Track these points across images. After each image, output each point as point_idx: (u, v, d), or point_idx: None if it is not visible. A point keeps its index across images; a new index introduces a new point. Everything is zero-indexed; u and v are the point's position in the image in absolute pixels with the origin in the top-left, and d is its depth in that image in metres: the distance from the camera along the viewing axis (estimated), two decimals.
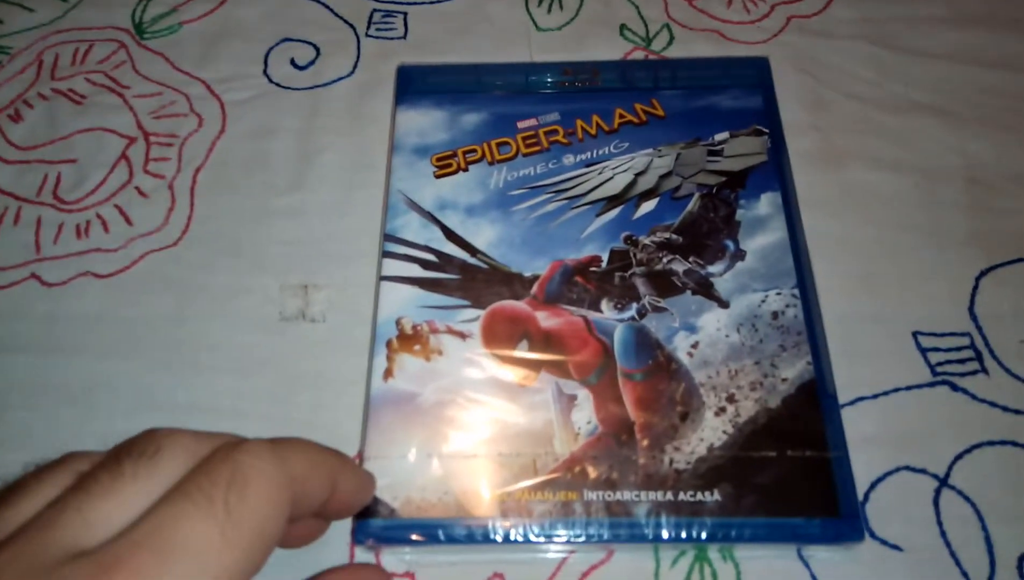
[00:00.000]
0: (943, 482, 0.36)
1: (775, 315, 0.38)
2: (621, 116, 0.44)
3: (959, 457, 0.37)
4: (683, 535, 0.33)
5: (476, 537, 0.33)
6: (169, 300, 0.41)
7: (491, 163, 0.43)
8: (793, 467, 0.34)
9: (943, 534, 0.35)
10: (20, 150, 0.46)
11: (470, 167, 0.43)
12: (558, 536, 0.33)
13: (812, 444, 0.35)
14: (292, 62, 0.49)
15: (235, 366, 0.39)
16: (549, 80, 0.46)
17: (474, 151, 0.43)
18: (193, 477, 0.24)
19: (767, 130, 0.43)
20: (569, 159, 0.43)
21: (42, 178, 0.45)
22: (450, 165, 0.43)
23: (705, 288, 0.39)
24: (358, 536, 0.33)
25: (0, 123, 0.47)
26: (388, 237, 0.40)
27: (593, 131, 0.44)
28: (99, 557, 0.22)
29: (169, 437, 0.26)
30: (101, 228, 0.43)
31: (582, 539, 0.33)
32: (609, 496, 0.34)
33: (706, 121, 0.44)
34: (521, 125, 0.44)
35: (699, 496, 0.34)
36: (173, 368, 0.39)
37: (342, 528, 0.35)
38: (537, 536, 0.33)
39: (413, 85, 0.46)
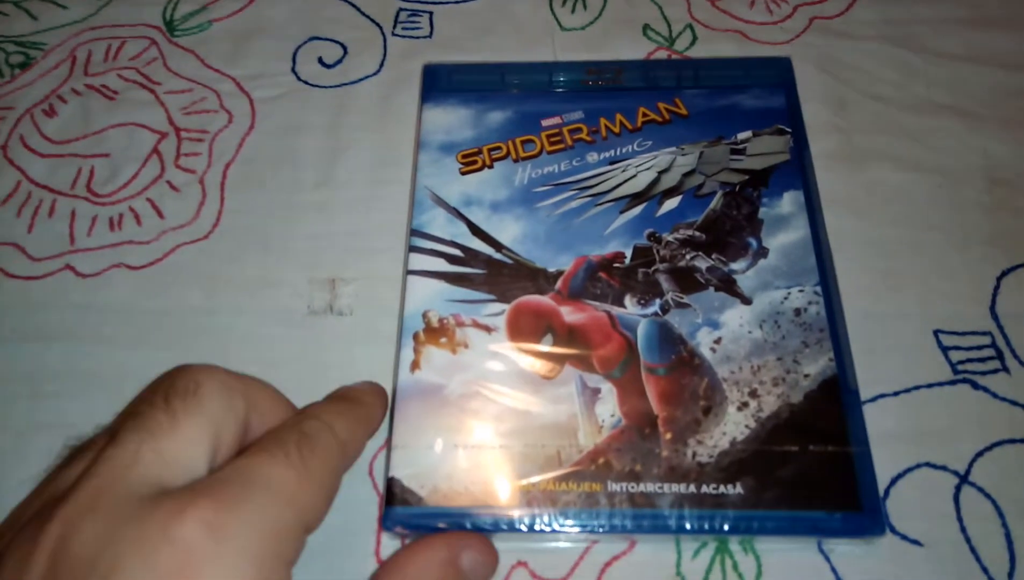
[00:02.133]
0: (964, 479, 0.36)
1: (797, 312, 0.38)
2: (645, 115, 0.44)
3: (980, 454, 0.37)
4: (705, 527, 0.33)
5: (502, 526, 0.34)
6: (199, 292, 0.42)
7: (516, 160, 0.43)
8: (815, 462, 0.35)
9: (963, 530, 0.35)
10: (54, 144, 0.47)
11: (495, 164, 0.43)
12: (582, 526, 0.34)
13: (834, 439, 0.35)
14: (320, 60, 0.49)
15: (264, 358, 0.40)
16: (573, 79, 0.46)
17: (499, 148, 0.44)
18: (266, 435, 0.28)
19: (789, 129, 0.43)
20: (593, 157, 0.43)
21: (76, 171, 0.46)
22: (475, 162, 0.43)
23: (728, 285, 0.39)
24: (386, 523, 0.34)
25: (35, 118, 0.48)
26: (415, 232, 0.41)
27: (617, 129, 0.44)
28: (185, 492, 0.24)
29: (204, 372, 0.28)
30: (134, 221, 0.44)
31: (606, 529, 0.34)
32: (632, 488, 0.34)
33: (729, 120, 0.44)
34: (545, 123, 0.44)
35: (721, 489, 0.34)
36: (203, 359, 0.39)
37: (369, 514, 0.36)
38: (562, 526, 0.34)
39: (439, 83, 0.46)
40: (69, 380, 0.40)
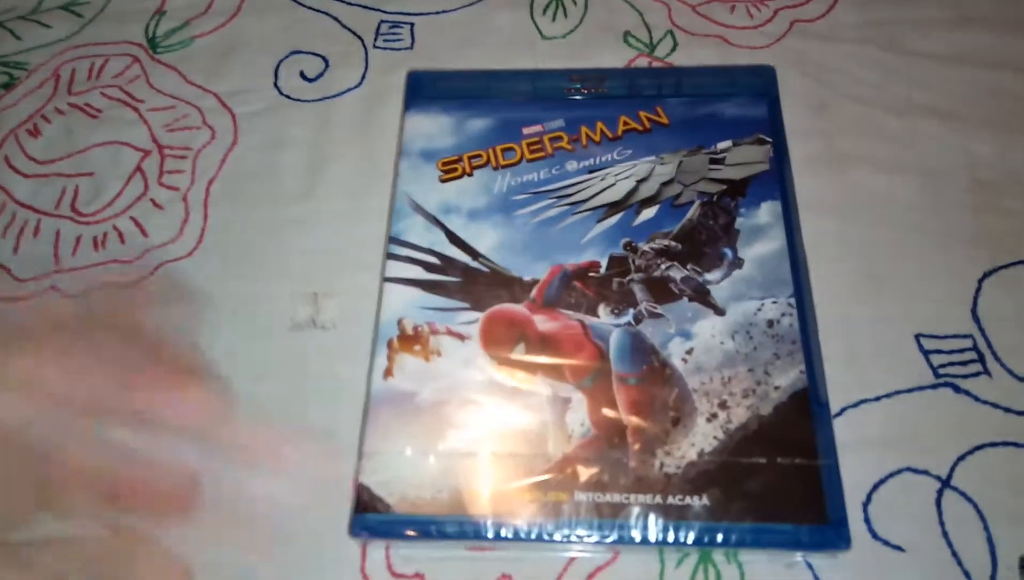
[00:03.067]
0: (945, 483, 0.36)
1: (770, 323, 0.38)
2: (625, 123, 0.44)
3: (961, 458, 0.37)
4: (671, 538, 0.33)
5: (468, 534, 0.34)
6: (183, 310, 0.42)
7: (496, 168, 0.43)
8: (782, 474, 0.34)
9: (945, 535, 0.35)
10: (39, 164, 0.47)
11: (475, 172, 0.43)
12: (548, 535, 0.34)
13: (802, 452, 0.35)
14: (302, 74, 0.50)
15: (248, 373, 0.40)
16: (556, 87, 0.46)
17: (479, 156, 0.44)
18: None
19: (770, 139, 0.43)
20: (572, 165, 0.43)
21: (60, 191, 0.46)
22: (455, 169, 0.43)
23: (702, 295, 0.39)
24: (354, 530, 0.34)
25: (19, 138, 0.48)
26: (393, 239, 0.41)
27: (597, 138, 0.44)
28: None
29: None
30: (117, 239, 0.44)
31: (570, 539, 0.34)
32: (599, 498, 0.34)
33: (710, 129, 0.44)
34: (527, 131, 0.44)
35: (688, 500, 0.34)
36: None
37: (339, 521, 0.35)
38: (528, 534, 0.34)
39: (422, 91, 0.46)
40: None
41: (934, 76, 0.48)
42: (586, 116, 0.45)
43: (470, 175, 0.43)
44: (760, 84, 0.46)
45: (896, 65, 0.48)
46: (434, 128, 0.45)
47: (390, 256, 0.41)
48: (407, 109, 0.46)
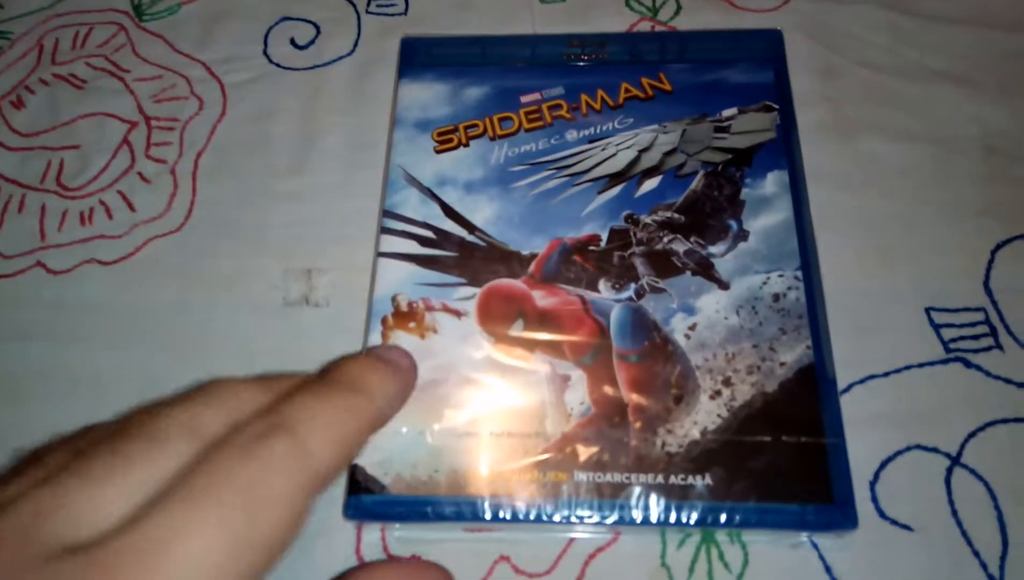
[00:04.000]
0: (955, 461, 0.35)
1: (776, 298, 0.37)
2: (627, 91, 0.43)
3: (972, 435, 0.36)
4: (673, 519, 0.32)
5: (465, 515, 0.33)
6: (173, 286, 0.41)
7: (492, 138, 0.42)
8: (788, 453, 0.33)
9: (955, 513, 0.34)
10: (23, 137, 0.46)
11: (471, 142, 0.42)
12: (547, 516, 0.33)
13: (808, 430, 0.34)
14: (292, 41, 0.48)
15: (240, 351, 0.39)
16: (555, 52, 0.44)
17: (475, 126, 0.42)
18: (202, 475, 0.22)
19: (777, 106, 0.42)
20: (572, 135, 0.42)
21: (45, 165, 0.45)
22: (451, 140, 0.42)
23: (705, 269, 0.38)
24: (348, 511, 0.33)
25: (3, 110, 0.47)
26: (387, 213, 0.40)
27: (598, 106, 0.43)
28: (91, 556, 0.20)
29: (180, 418, 0.24)
30: (104, 215, 0.43)
31: (570, 520, 0.33)
32: (599, 478, 0.33)
33: (714, 96, 0.42)
34: (524, 100, 0.43)
35: (690, 480, 0.33)
36: (178, 353, 0.39)
37: (334, 502, 0.34)
38: (526, 515, 0.33)
39: (416, 58, 0.45)
40: (42, 380, 0.39)
41: (947, 40, 0.46)
42: (586, 83, 0.43)
43: (466, 146, 0.42)
44: (767, 49, 0.44)
45: (908, 28, 0.47)
46: (429, 97, 0.43)
47: (384, 230, 0.39)
48: (400, 77, 0.44)
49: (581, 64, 0.44)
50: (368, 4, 0.49)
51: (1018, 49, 0.45)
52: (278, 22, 0.49)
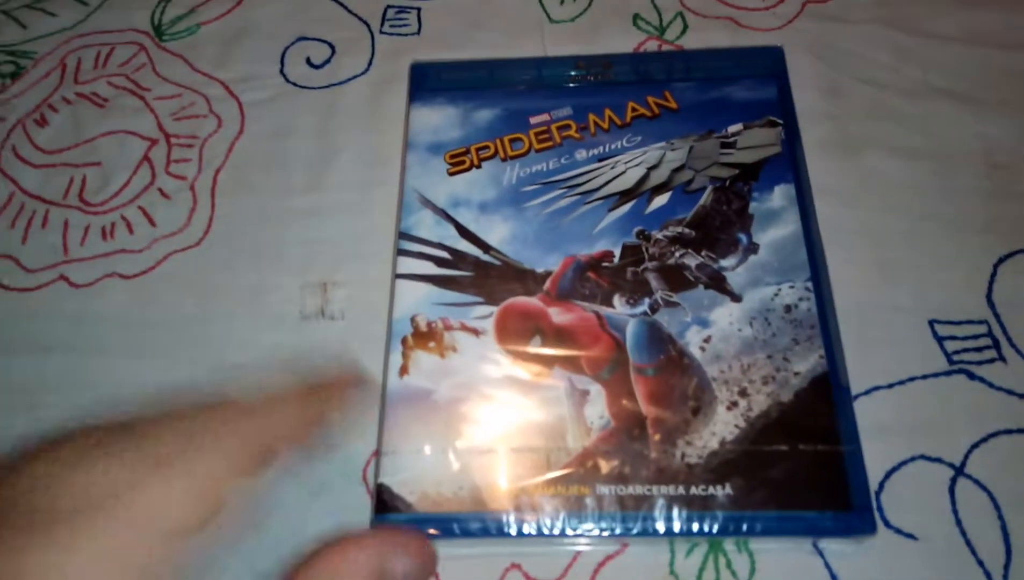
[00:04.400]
0: (959, 471, 0.36)
1: (788, 309, 0.38)
2: (634, 109, 0.44)
3: (975, 446, 0.37)
4: (695, 529, 0.33)
5: (491, 531, 0.34)
6: (192, 299, 0.42)
7: (504, 160, 0.43)
8: (805, 461, 0.34)
9: (959, 523, 0.35)
10: (46, 154, 0.47)
11: (483, 164, 0.43)
12: (571, 530, 0.34)
13: (824, 438, 0.35)
14: (308, 61, 0.49)
15: (257, 363, 0.40)
16: (562, 74, 0.46)
17: (487, 148, 0.43)
18: None
19: (781, 121, 0.43)
20: (582, 154, 0.43)
21: (68, 181, 0.46)
22: (463, 162, 0.43)
23: (717, 282, 0.39)
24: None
25: (27, 128, 0.48)
26: (403, 235, 0.41)
27: (606, 125, 0.44)
28: None
29: None
30: (126, 229, 0.44)
31: (595, 533, 0.34)
32: (621, 490, 0.34)
33: (720, 113, 0.44)
34: (534, 121, 0.44)
35: (711, 490, 0.34)
36: (197, 367, 0.40)
37: (364, 522, 0.35)
38: (551, 530, 0.34)
39: (427, 82, 0.46)
40: (67, 391, 0.40)
41: (949, 57, 0.47)
42: (593, 103, 0.44)
43: (478, 167, 0.43)
44: (768, 65, 0.45)
45: (910, 47, 0.48)
46: (440, 120, 0.44)
47: (400, 252, 0.41)
48: (412, 101, 0.45)
49: (588, 85, 0.45)
50: (382, 24, 0.50)
51: (1018, 67, 0.47)
52: (294, 42, 0.50)
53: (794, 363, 0.36)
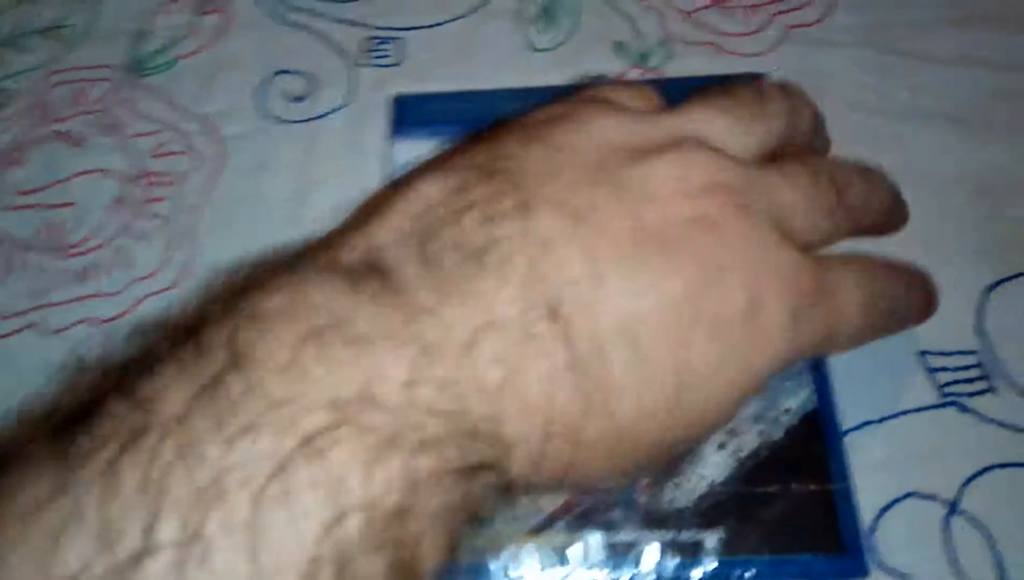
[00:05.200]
0: (953, 508, 0.35)
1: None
2: None
3: (969, 481, 0.36)
4: (686, 576, 0.33)
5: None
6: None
7: None
8: (797, 501, 0.34)
9: (954, 562, 0.34)
10: (20, 195, 0.46)
11: None
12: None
13: (816, 476, 0.34)
14: (287, 95, 0.48)
15: None
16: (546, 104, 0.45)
17: None
18: None
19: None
20: None
21: (43, 223, 0.45)
22: None
23: None
24: None
25: (2, 168, 0.47)
26: None
27: None
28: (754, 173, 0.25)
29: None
30: (101, 272, 0.43)
31: None
32: (610, 537, 0.33)
33: None
34: None
35: (701, 535, 0.33)
36: None
37: None
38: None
39: (409, 115, 0.45)
40: None
41: (937, 80, 0.47)
42: None
43: None
44: None
45: (898, 69, 0.47)
46: (422, 154, 0.43)
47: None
48: (395, 135, 0.45)
49: None
50: (362, 56, 0.50)
51: (1007, 88, 0.46)
52: (273, 75, 0.49)
53: (783, 400, 0.36)
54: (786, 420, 0.35)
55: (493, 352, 0.19)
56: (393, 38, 0.50)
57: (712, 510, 0.34)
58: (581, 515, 0.34)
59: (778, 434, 0.35)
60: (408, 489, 0.18)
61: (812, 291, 0.25)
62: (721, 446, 0.35)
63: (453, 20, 0.51)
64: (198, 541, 0.16)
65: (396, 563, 0.18)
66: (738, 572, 0.33)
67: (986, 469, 0.36)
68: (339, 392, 0.18)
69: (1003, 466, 0.36)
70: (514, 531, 0.34)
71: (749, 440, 0.35)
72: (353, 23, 0.51)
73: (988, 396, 0.38)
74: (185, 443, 0.17)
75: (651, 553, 0.33)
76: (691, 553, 0.33)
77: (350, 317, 0.19)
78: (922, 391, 0.38)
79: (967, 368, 0.38)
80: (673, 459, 0.28)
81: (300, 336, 0.18)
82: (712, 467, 0.34)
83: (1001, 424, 0.37)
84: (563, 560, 0.33)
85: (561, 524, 0.34)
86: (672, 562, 0.33)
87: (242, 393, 0.18)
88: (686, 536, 0.33)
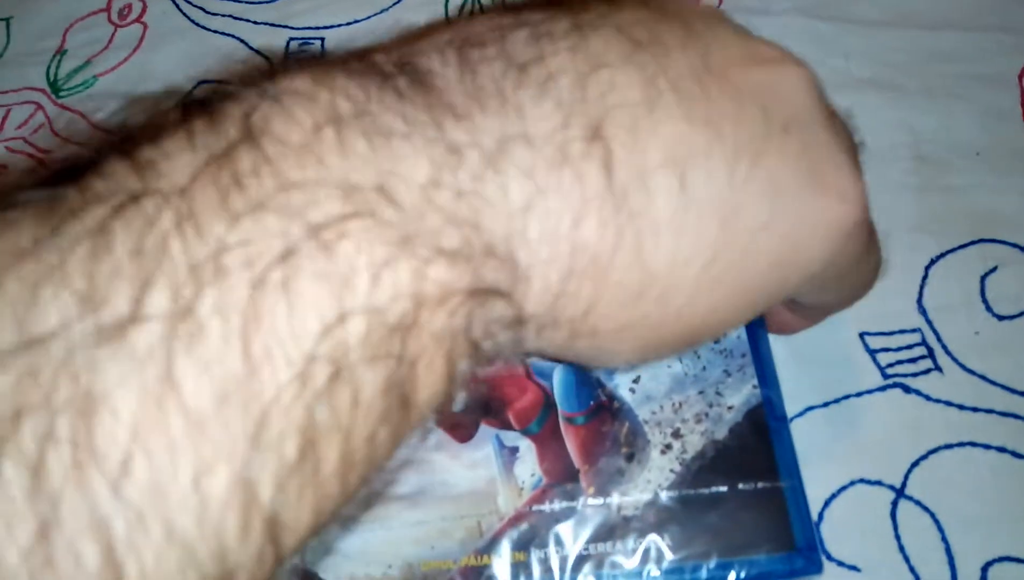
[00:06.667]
0: (900, 493, 0.35)
1: (717, 339, 0.37)
2: None
3: (915, 464, 0.36)
4: None
5: None
6: None
7: None
8: (745, 501, 0.34)
9: (902, 549, 0.34)
10: None
11: None
12: None
13: (763, 474, 0.34)
14: None
15: None
16: None
17: None
18: None
19: None
20: None
21: None
22: None
23: None
24: None
25: None
26: None
27: None
28: None
29: None
30: None
31: None
32: (559, 551, 0.33)
33: None
34: None
35: (649, 542, 0.33)
36: None
37: None
38: None
39: None
40: None
41: (872, 44, 0.46)
42: None
43: None
44: None
45: (832, 35, 0.46)
46: None
47: None
48: None
49: None
50: (286, 59, 0.48)
51: (942, 49, 0.45)
52: (196, 86, 0.48)
53: (727, 397, 0.36)
54: (730, 417, 0.35)
55: (521, 166, 0.18)
56: (315, 38, 0.49)
57: (659, 516, 0.33)
58: (528, 531, 0.34)
59: (722, 433, 0.35)
60: (414, 300, 0.17)
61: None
62: (666, 449, 0.35)
63: (375, 15, 0.49)
64: (189, 318, 0.15)
65: (392, 382, 0.17)
66: (688, 577, 0.33)
67: (932, 451, 0.36)
68: (354, 182, 0.17)
69: (949, 446, 0.36)
70: (463, 555, 0.34)
71: (694, 441, 0.35)
72: (273, 25, 0.49)
73: (933, 375, 0.38)
74: (186, 214, 0.16)
75: (601, 563, 0.33)
76: (641, 562, 0.33)
77: (375, 110, 0.17)
78: (864, 374, 0.38)
79: (910, 347, 0.38)
80: (694, 343, 0.25)
81: (320, 120, 0.17)
82: (658, 472, 0.34)
83: (947, 403, 0.37)
84: (516, 578, 0.33)
85: (510, 542, 0.34)
86: (622, 572, 0.33)
87: (252, 170, 0.16)
88: (634, 544, 0.33)
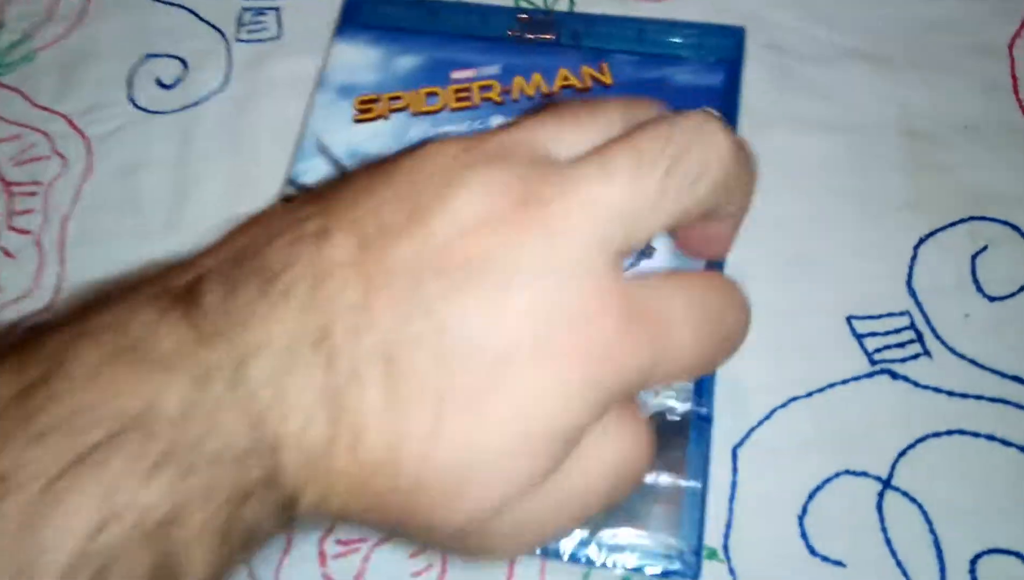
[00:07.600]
0: (887, 484, 0.33)
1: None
2: (565, 78, 0.40)
3: (902, 454, 0.34)
4: None
5: None
6: None
7: (414, 114, 0.40)
8: (645, 489, 0.32)
9: (888, 542, 0.32)
10: None
11: (392, 115, 0.40)
12: None
13: (671, 468, 0.32)
14: (158, 81, 0.44)
15: None
16: (501, 25, 0.42)
17: (399, 98, 0.40)
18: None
19: (718, 115, 0.39)
20: (497, 121, 0.39)
21: None
22: (370, 110, 0.40)
23: None
24: None
25: None
26: (291, 182, 0.38)
27: (531, 92, 0.40)
28: (568, 170, 0.22)
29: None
30: None
31: None
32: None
33: (656, 95, 0.39)
34: (456, 76, 0.41)
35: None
36: None
37: None
38: None
39: (358, 16, 0.43)
40: None
41: (856, 11, 0.44)
42: (524, 64, 0.41)
43: (386, 118, 0.40)
44: (722, 48, 0.41)
45: (815, 3, 0.44)
46: (359, 61, 0.41)
47: (284, 200, 0.37)
48: (336, 36, 0.42)
49: (525, 43, 0.42)
50: (238, 31, 0.46)
51: (933, 18, 0.43)
52: (142, 61, 0.45)
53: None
54: (656, 403, 0.33)
55: (262, 375, 0.19)
56: (269, 8, 0.46)
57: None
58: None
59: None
60: (178, 501, 0.18)
61: (619, 329, 0.21)
62: None
63: None
64: None
65: (159, 566, 0.18)
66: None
67: (920, 440, 0.34)
68: (127, 407, 0.19)
69: (937, 435, 0.34)
70: None
71: None
72: None
73: (922, 360, 0.35)
74: None
75: None
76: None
77: (151, 339, 0.20)
78: (850, 360, 0.36)
79: (898, 331, 0.36)
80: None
81: (107, 353, 0.19)
82: None
83: (936, 390, 0.35)
84: None
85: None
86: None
87: (49, 398, 0.19)
88: None
